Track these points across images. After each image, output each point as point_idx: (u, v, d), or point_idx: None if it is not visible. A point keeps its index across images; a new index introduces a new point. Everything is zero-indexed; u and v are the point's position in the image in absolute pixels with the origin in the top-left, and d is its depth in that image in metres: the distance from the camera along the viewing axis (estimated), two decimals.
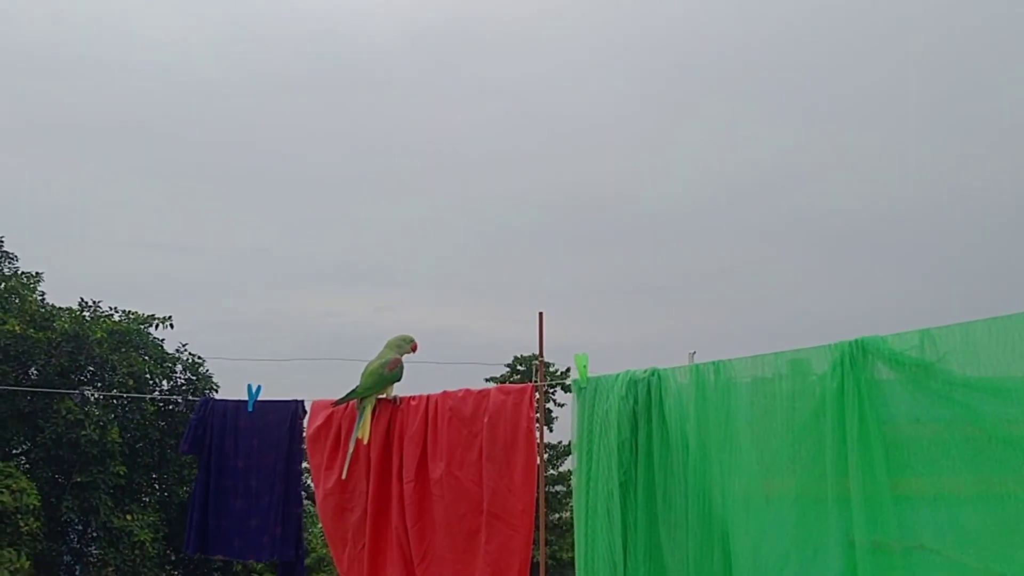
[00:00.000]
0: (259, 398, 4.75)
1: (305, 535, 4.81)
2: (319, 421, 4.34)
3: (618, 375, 3.68)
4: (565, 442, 29.71)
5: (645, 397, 3.59)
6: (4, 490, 17.00)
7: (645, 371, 3.63)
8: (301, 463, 4.57)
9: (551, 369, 26.18)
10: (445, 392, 4.06)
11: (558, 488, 29.47)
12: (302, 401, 4.63)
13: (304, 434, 4.51)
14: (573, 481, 3.80)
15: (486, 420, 3.87)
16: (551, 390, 28.52)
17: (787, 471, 3.38)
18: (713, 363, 3.50)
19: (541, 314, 5.92)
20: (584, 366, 3.78)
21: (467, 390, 4.00)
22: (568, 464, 29.48)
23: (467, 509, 3.85)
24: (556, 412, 29.20)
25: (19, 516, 17.28)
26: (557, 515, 28.82)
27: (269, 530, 4.52)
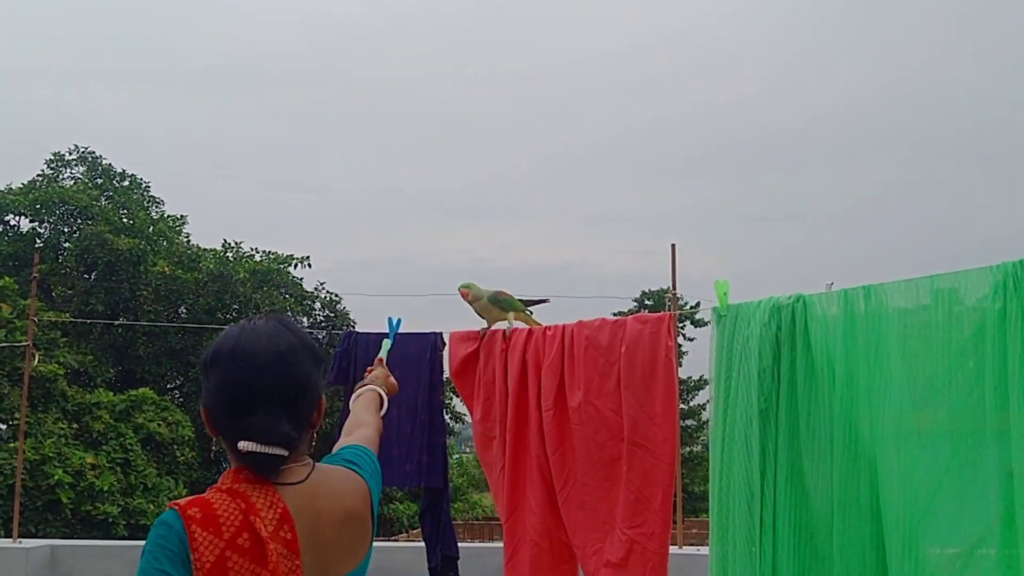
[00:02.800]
0: (398, 331, 4.86)
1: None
2: (462, 353, 4.43)
3: (760, 302, 3.59)
4: (695, 377, 29.52)
5: (789, 323, 3.49)
6: (161, 422, 18.19)
7: (790, 297, 3.52)
8: (442, 393, 4.68)
9: (681, 303, 25.90)
10: (581, 322, 4.06)
11: (689, 422, 29.40)
12: (440, 333, 4.72)
13: (445, 365, 4.61)
14: (709, 409, 3.75)
15: (623, 350, 3.85)
16: (680, 324, 28.32)
17: (941, 401, 3.24)
18: (863, 287, 3.35)
19: (673, 245, 5.79)
20: (725, 293, 3.70)
21: (603, 319, 3.99)
22: (700, 398, 29.28)
23: (607, 437, 3.87)
24: (686, 347, 29.02)
25: (175, 447, 18.49)
26: (688, 448, 28.82)
27: (413, 458, 4.64)
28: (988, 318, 3.09)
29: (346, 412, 4.81)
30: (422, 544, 4.79)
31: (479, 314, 4.50)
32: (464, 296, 4.49)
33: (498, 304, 4.43)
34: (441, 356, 4.61)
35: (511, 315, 4.42)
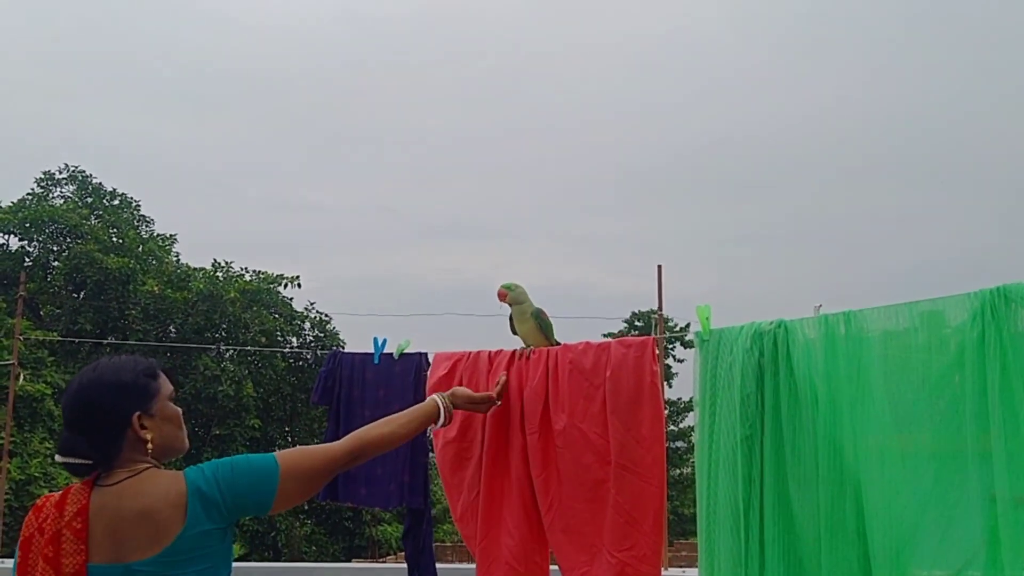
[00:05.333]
0: (384, 351, 4.86)
1: (432, 486, 4.91)
2: (441, 371, 4.41)
3: (742, 327, 3.60)
4: (685, 398, 29.57)
5: (771, 350, 3.50)
6: None
7: (771, 323, 3.54)
8: None
9: (670, 324, 25.96)
10: (565, 345, 4.06)
11: (678, 444, 29.39)
12: (426, 353, 4.71)
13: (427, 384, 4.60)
14: (695, 435, 3.76)
15: (608, 374, 3.85)
16: (670, 345, 28.36)
17: (923, 425, 3.26)
18: (843, 314, 3.38)
19: (660, 267, 5.78)
20: (707, 318, 3.71)
21: (587, 343, 3.99)
22: (688, 420, 29.30)
23: (592, 460, 3.86)
24: (675, 368, 29.08)
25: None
26: (678, 471, 28.78)
27: (396, 478, 4.64)
28: (967, 345, 3.12)
29: (332, 430, 4.84)
30: (405, 566, 4.78)
31: (512, 321, 4.19)
32: (502, 298, 4.11)
33: (539, 321, 4.13)
34: (425, 376, 4.60)
35: (540, 339, 4.13)
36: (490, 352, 4.25)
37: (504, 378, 3.58)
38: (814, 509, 3.40)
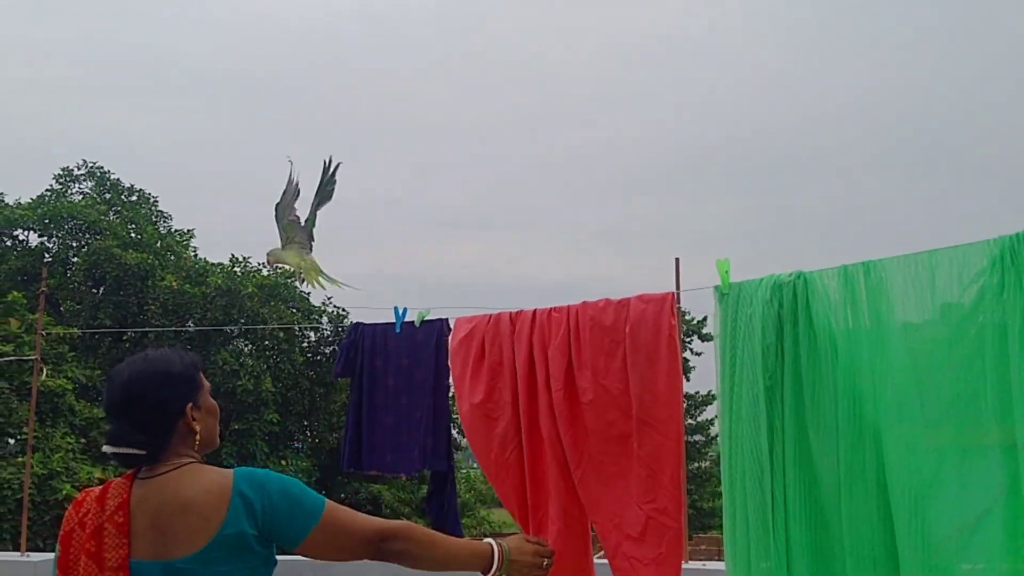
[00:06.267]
0: (404, 320, 4.92)
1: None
2: (462, 334, 4.47)
3: (762, 279, 3.63)
4: (704, 392, 29.43)
5: (791, 301, 3.53)
6: None
7: (790, 274, 3.56)
8: (448, 378, 4.72)
9: (687, 317, 25.91)
10: (585, 302, 4.10)
11: (697, 437, 29.27)
12: (446, 320, 4.77)
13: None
14: (716, 387, 3.78)
15: (627, 329, 3.89)
16: (687, 338, 28.26)
17: (943, 373, 3.27)
18: (863, 263, 3.40)
19: (677, 259, 5.76)
20: (726, 271, 3.74)
21: (607, 300, 4.03)
22: (707, 413, 29.18)
23: (616, 416, 3.91)
24: (693, 361, 28.95)
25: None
26: (696, 464, 28.65)
27: (419, 443, 4.69)
28: (987, 290, 3.14)
29: (355, 400, 4.89)
30: None
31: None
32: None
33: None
34: (447, 341, 4.65)
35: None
36: (511, 313, 4.30)
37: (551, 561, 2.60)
38: (834, 459, 3.42)
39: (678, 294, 3.98)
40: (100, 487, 2.00)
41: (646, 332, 3.85)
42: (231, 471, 1.97)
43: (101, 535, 1.89)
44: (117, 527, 1.89)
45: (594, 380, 3.95)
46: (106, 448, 1.96)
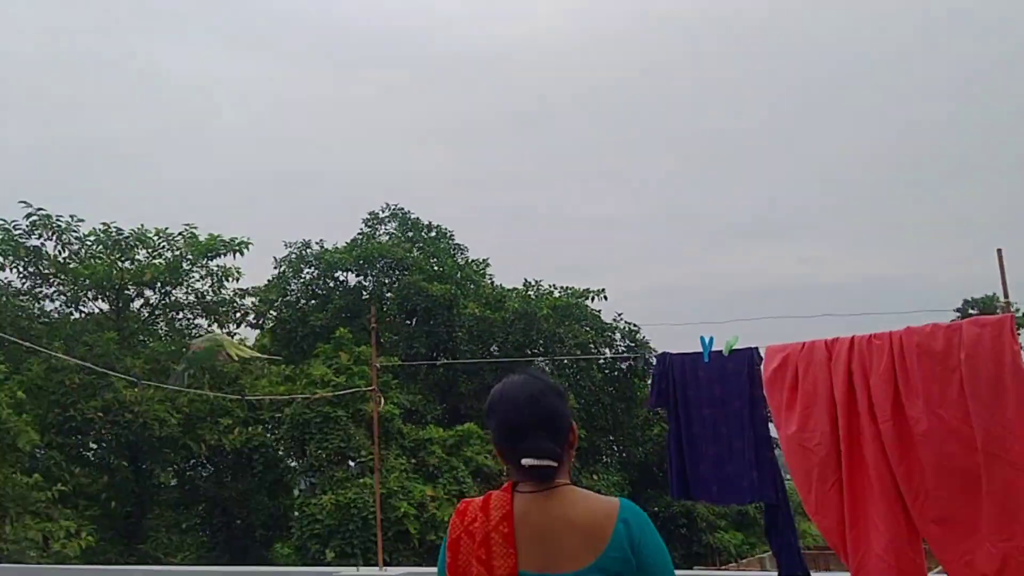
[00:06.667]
0: (711, 349, 4.91)
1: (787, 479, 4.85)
2: (774, 364, 4.39)
3: None
4: None
5: None
6: (488, 455, 19.27)
7: None
8: (765, 408, 4.65)
9: (1015, 309, 23.37)
10: (910, 328, 3.88)
11: None
12: (756, 348, 4.70)
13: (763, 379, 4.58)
14: None
15: (963, 356, 3.64)
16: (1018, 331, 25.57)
17: None
18: None
19: (1000, 250, 5.32)
20: None
21: (935, 324, 3.80)
22: None
23: (957, 448, 3.67)
24: None
25: (503, 478, 19.41)
26: None
27: (746, 474, 4.64)
28: None
29: (675, 432, 4.94)
30: (749, 573, 4.76)
31: None
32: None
33: None
34: (759, 371, 4.59)
35: None
36: (827, 340, 4.16)
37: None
38: None
39: (1005, 289, 3.67)
40: (482, 498, 2.09)
41: (985, 359, 3.59)
42: (616, 499, 2.05)
43: (489, 544, 1.98)
44: (503, 537, 1.98)
45: (927, 410, 3.73)
46: (527, 461, 2.02)
